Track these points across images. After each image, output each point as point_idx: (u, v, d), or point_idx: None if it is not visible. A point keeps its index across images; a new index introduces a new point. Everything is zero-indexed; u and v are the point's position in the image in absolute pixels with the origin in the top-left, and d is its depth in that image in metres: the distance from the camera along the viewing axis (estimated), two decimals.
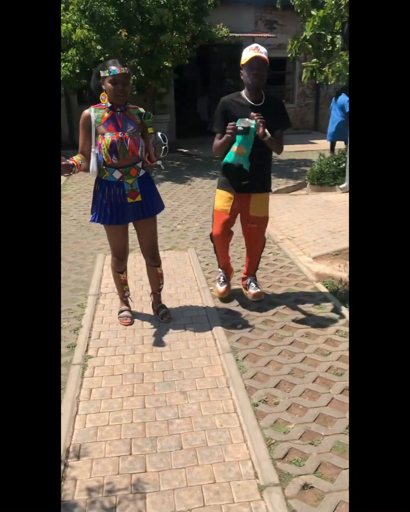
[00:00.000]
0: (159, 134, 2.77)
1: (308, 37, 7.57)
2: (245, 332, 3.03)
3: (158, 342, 2.96)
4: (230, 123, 2.90)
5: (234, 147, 2.93)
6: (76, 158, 2.69)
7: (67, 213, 6.18)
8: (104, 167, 2.78)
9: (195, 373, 2.62)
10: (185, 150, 11.02)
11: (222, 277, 3.54)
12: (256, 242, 3.46)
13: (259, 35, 12.96)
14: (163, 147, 2.75)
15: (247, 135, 2.87)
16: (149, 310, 3.38)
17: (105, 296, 3.63)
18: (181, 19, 8.81)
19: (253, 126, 2.86)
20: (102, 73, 2.65)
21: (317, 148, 11.03)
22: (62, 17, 7.78)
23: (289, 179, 8.13)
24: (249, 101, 3.07)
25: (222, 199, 3.28)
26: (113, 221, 2.87)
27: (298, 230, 5.18)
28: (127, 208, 2.86)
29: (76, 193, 7.35)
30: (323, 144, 11.63)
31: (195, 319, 3.24)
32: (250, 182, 3.16)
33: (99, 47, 8.00)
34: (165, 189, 7.48)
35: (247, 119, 2.88)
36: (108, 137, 2.69)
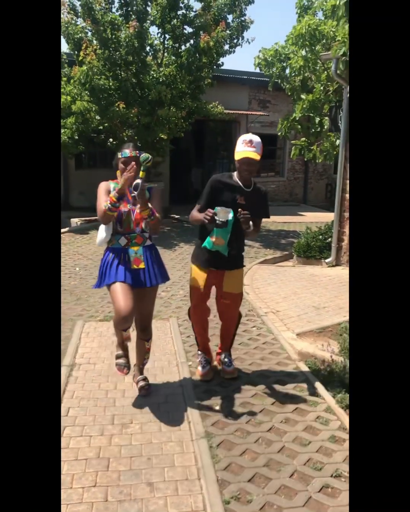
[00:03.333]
0: (138, 181, 2.72)
1: (297, 118, 7.98)
2: (221, 416, 2.88)
3: (129, 422, 2.79)
4: (209, 210, 2.88)
5: (212, 237, 2.99)
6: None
7: None
8: (111, 235, 2.89)
9: (165, 461, 2.44)
10: (177, 216, 11.21)
11: (203, 360, 3.43)
12: (229, 318, 3.40)
13: (252, 113, 13.68)
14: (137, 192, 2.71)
15: (225, 228, 2.93)
16: (124, 386, 3.23)
17: (80, 368, 3.48)
18: (179, 95, 9.29)
19: (230, 219, 2.89)
20: (118, 155, 2.86)
21: (305, 220, 11.28)
22: (62, 89, 8.17)
23: (277, 249, 8.21)
24: (240, 183, 3.10)
25: (195, 274, 3.27)
26: (120, 278, 2.79)
27: (283, 304, 5.13)
28: (131, 274, 2.84)
29: (64, 255, 7.32)
30: (311, 217, 11.92)
31: (170, 397, 3.08)
32: (222, 260, 3.13)
33: (97, 117, 8.33)
34: None
35: (225, 209, 2.90)
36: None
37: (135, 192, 2.70)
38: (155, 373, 3.43)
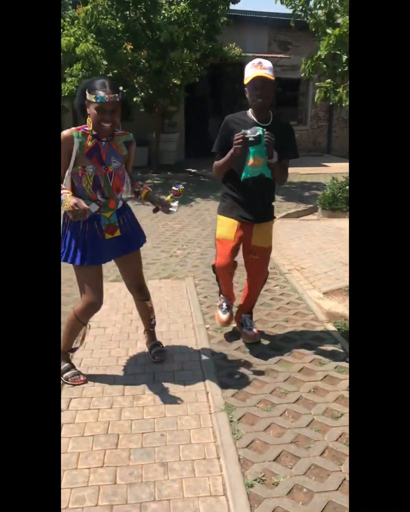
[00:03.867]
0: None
1: (322, 57, 7.30)
2: (243, 385, 2.61)
3: (141, 393, 2.54)
4: (237, 134, 2.57)
5: (249, 160, 2.61)
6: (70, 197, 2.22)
7: None
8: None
9: (181, 438, 2.20)
10: (193, 170, 10.73)
11: (224, 304, 3.12)
12: (257, 275, 3.07)
13: (273, 55, 12.76)
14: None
15: (259, 144, 2.56)
16: (136, 350, 2.97)
17: (89, 332, 3.22)
18: (192, 36, 8.58)
19: (261, 133, 2.54)
20: (88, 96, 2.24)
21: (329, 171, 10.68)
22: (66, 31, 7.59)
23: (300, 202, 7.76)
24: (255, 120, 2.74)
25: (225, 226, 2.93)
26: (88, 260, 2.44)
27: (308, 260, 4.77)
28: (105, 245, 2.49)
29: None
30: (336, 167, 11.29)
31: (186, 365, 2.82)
32: (253, 212, 2.82)
33: (105, 62, 7.76)
34: None
35: (254, 127, 2.58)
36: (90, 171, 2.35)
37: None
38: (170, 337, 3.16)
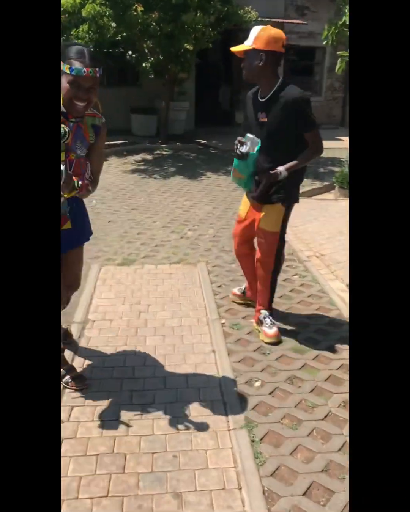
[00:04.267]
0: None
1: (347, 23, 6.76)
2: (264, 395, 2.33)
3: (151, 402, 2.27)
4: (239, 137, 2.58)
5: (233, 169, 2.71)
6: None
7: None
8: None
9: (196, 461, 1.93)
10: (203, 141, 10.26)
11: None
12: (258, 261, 2.84)
13: (289, 21, 12.06)
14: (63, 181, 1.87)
15: (245, 160, 2.56)
16: (145, 348, 2.70)
17: (93, 325, 2.95)
18: None
19: (252, 152, 2.53)
20: (62, 65, 1.84)
21: (344, 146, 10.19)
22: None
23: (315, 180, 7.36)
24: (258, 97, 2.60)
25: (242, 203, 2.95)
26: None
27: (328, 246, 4.44)
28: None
29: None
30: None
31: (200, 367, 2.54)
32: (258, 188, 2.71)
33: (113, 24, 7.24)
34: (178, 185, 6.76)
35: (255, 140, 2.54)
36: None
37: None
38: (183, 333, 2.87)
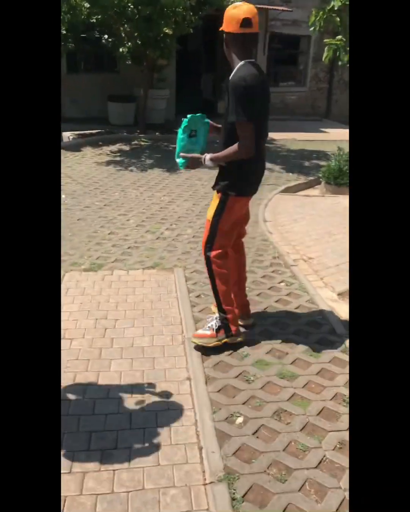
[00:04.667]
0: None
1: (336, 8, 6.41)
2: (248, 436, 1.98)
3: (112, 447, 1.90)
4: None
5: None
6: None
7: None
8: None
9: None
10: None
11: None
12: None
13: (274, 7, 11.62)
14: None
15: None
16: (109, 376, 2.32)
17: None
18: None
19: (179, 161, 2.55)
20: None
21: (329, 138, 9.88)
22: None
23: (300, 174, 7.01)
24: None
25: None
26: None
27: (316, 248, 4.11)
28: None
29: None
30: (335, 134, 10.48)
31: (173, 400, 2.18)
32: None
33: (87, 4, 6.74)
34: (156, 179, 6.35)
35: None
36: None
37: None
38: (154, 355, 2.50)
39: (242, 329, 2.67)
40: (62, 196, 5.31)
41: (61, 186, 5.77)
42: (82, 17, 7.18)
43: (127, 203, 5.21)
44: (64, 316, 2.82)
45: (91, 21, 7.81)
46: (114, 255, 3.78)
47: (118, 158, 7.42)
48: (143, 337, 2.65)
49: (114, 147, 8.17)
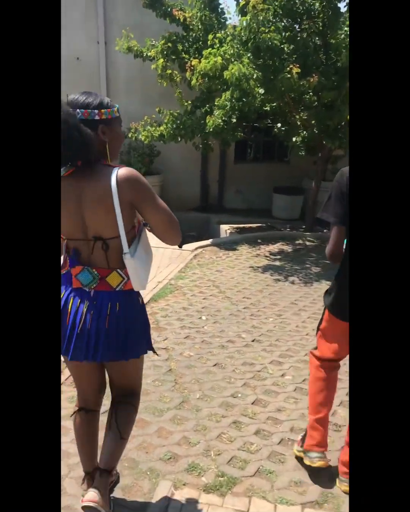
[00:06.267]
0: None
1: None
2: None
3: None
4: None
5: None
6: None
7: None
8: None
9: None
10: None
11: None
12: None
13: None
14: None
15: None
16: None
17: None
18: None
19: None
20: (104, 112, 1.49)
21: None
22: (214, 50, 5.99)
23: None
24: None
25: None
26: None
27: None
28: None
29: (193, 285, 5.15)
30: None
31: None
32: None
33: (261, 90, 5.95)
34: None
35: None
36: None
37: None
38: None
39: None
40: (202, 317, 4.15)
41: (205, 298, 4.65)
42: (256, 104, 6.43)
43: (283, 340, 3.80)
44: None
45: (264, 109, 7.07)
46: (252, 464, 2.30)
47: (278, 263, 6.18)
48: None
49: (274, 247, 7.01)
